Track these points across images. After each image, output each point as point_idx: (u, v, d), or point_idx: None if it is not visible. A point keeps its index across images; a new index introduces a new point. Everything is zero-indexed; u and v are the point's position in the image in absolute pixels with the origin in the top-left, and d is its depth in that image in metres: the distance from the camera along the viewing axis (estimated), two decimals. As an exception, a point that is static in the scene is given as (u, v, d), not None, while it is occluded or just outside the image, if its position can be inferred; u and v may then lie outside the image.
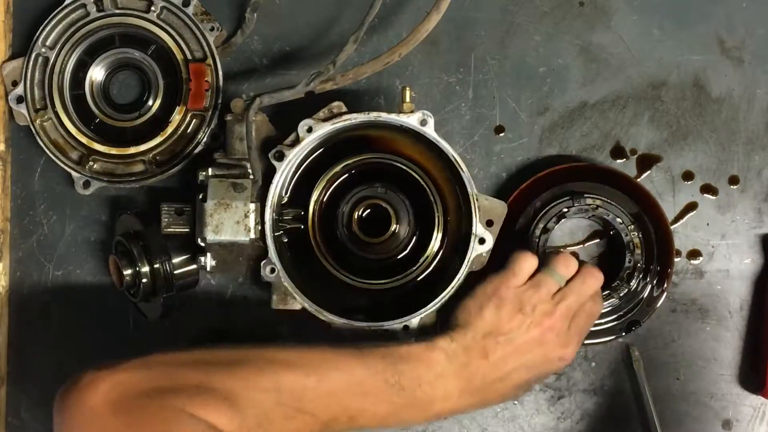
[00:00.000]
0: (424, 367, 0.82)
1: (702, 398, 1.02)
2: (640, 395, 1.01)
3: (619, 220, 0.97)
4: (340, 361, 0.80)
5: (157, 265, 0.94)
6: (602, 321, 0.98)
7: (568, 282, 0.89)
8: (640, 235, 0.97)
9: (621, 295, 0.97)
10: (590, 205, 0.97)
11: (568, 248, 1.02)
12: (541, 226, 0.98)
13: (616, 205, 0.97)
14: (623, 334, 0.99)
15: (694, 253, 1.02)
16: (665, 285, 0.98)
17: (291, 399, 0.75)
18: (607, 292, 0.96)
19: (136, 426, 0.66)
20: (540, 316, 0.86)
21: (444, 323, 0.89)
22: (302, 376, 0.77)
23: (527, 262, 0.88)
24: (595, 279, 0.90)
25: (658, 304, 0.99)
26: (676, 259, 1.02)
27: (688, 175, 1.03)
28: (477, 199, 0.93)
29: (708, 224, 1.03)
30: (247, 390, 0.73)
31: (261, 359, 0.77)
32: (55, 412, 0.71)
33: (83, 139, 1.01)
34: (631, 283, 0.97)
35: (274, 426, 0.74)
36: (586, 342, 0.97)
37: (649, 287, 0.98)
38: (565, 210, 0.98)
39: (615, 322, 0.99)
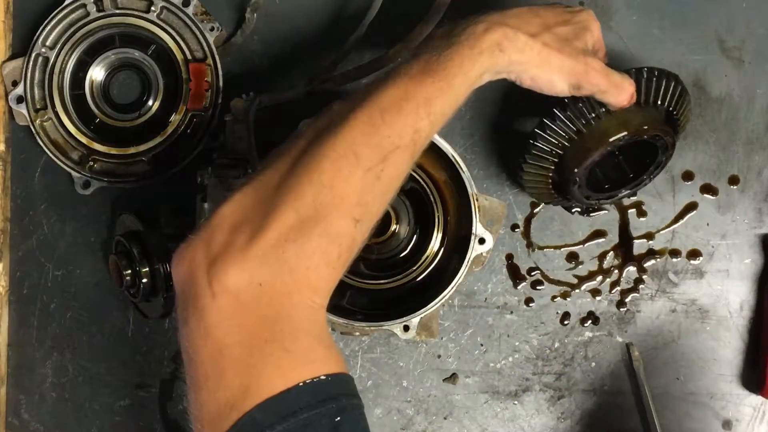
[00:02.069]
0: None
1: (702, 398, 1.02)
2: (640, 395, 1.01)
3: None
4: (386, 80, 0.72)
5: (157, 265, 0.94)
6: None
7: None
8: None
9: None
10: None
11: (568, 248, 1.03)
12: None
13: None
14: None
15: (694, 253, 1.02)
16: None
17: (371, 152, 0.68)
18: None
19: (254, 327, 0.63)
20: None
21: None
22: (363, 124, 0.69)
23: None
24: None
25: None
26: (675, 260, 1.02)
27: (688, 175, 1.03)
28: (477, 199, 0.93)
29: (708, 224, 1.03)
30: (326, 186, 0.66)
31: (311, 133, 0.70)
32: (184, 287, 0.66)
33: (83, 139, 1.01)
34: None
35: (369, 202, 0.68)
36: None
37: None
38: None
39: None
